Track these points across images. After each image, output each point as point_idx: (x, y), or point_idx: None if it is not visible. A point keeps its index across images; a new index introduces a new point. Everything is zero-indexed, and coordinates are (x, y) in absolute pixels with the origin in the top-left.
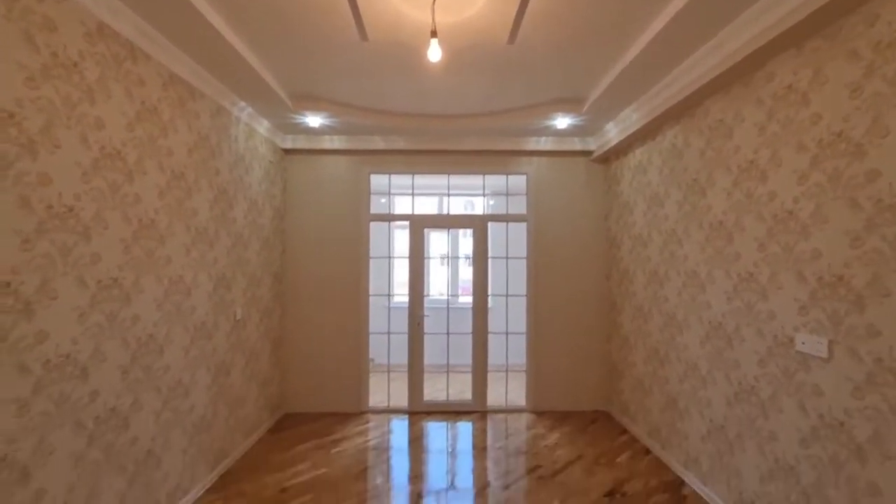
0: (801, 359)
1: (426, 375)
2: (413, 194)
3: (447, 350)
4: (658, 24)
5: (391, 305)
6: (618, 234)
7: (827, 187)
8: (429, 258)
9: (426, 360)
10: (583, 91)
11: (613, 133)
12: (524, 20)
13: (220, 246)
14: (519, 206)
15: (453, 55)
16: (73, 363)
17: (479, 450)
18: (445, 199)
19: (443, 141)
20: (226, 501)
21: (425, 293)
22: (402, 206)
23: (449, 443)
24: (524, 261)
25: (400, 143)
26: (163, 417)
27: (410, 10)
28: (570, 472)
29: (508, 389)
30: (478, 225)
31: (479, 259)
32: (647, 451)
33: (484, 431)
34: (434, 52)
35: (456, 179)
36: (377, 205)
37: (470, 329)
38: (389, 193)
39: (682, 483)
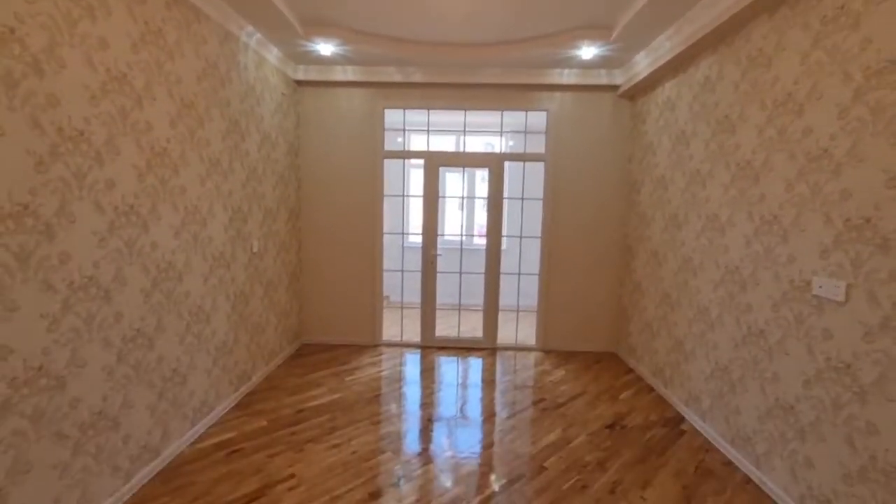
0: (816, 303)
1: (439, 313)
2: (428, 131)
3: (459, 289)
4: None
5: (405, 244)
6: (639, 178)
7: (869, 121)
8: (444, 197)
9: (439, 299)
10: (613, 15)
11: (643, 65)
12: None
13: (234, 178)
14: (538, 146)
15: None
16: (96, 285)
17: (488, 383)
18: (462, 138)
19: (460, 74)
20: (249, 419)
21: (439, 233)
22: (417, 144)
23: (459, 375)
24: (540, 202)
25: (416, 76)
26: (186, 341)
27: None
28: (572, 405)
29: (519, 329)
30: (494, 164)
31: (495, 199)
32: (651, 390)
33: (493, 366)
34: None
35: (473, 117)
36: (392, 143)
37: (483, 269)
38: (405, 130)
39: (681, 419)
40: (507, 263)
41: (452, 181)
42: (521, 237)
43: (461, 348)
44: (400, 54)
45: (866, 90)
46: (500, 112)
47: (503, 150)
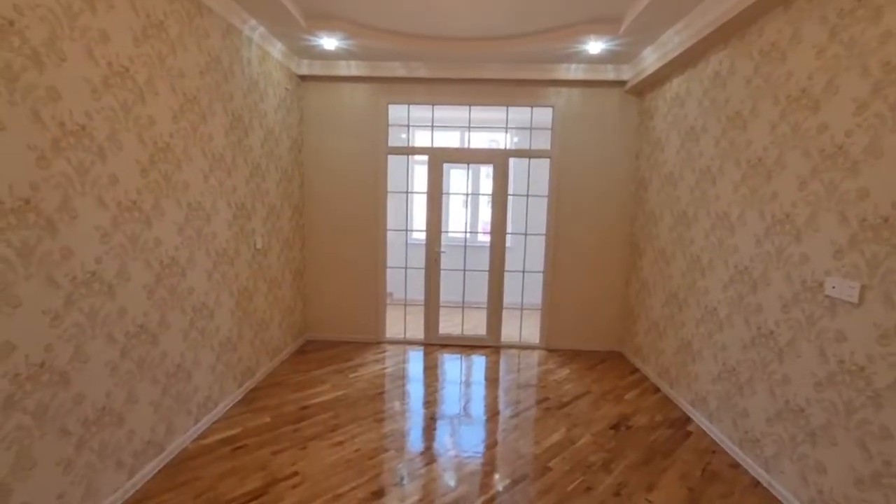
0: (828, 304)
1: (442, 311)
2: (433, 126)
3: (463, 287)
4: None
5: (409, 241)
6: (647, 174)
7: (888, 117)
8: (448, 194)
9: (443, 297)
10: (620, 7)
11: (651, 59)
12: None
13: (238, 174)
14: (543, 143)
15: None
16: (99, 280)
17: (491, 381)
18: (466, 134)
19: (465, 69)
20: (253, 415)
21: (443, 230)
22: (421, 140)
23: (462, 373)
24: (545, 199)
25: (420, 70)
26: (190, 336)
27: None
28: (577, 404)
29: (523, 327)
30: (499, 160)
31: (500, 196)
32: (656, 390)
33: (496, 364)
34: None
35: (477, 113)
36: (396, 139)
37: (487, 267)
38: (409, 125)
39: (688, 420)
40: (512, 261)
41: (456, 178)
42: (525, 234)
43: (465, 346)
44: (404, 48)
45: (885, 85)
46: (505, 108)
47: (508, 147)
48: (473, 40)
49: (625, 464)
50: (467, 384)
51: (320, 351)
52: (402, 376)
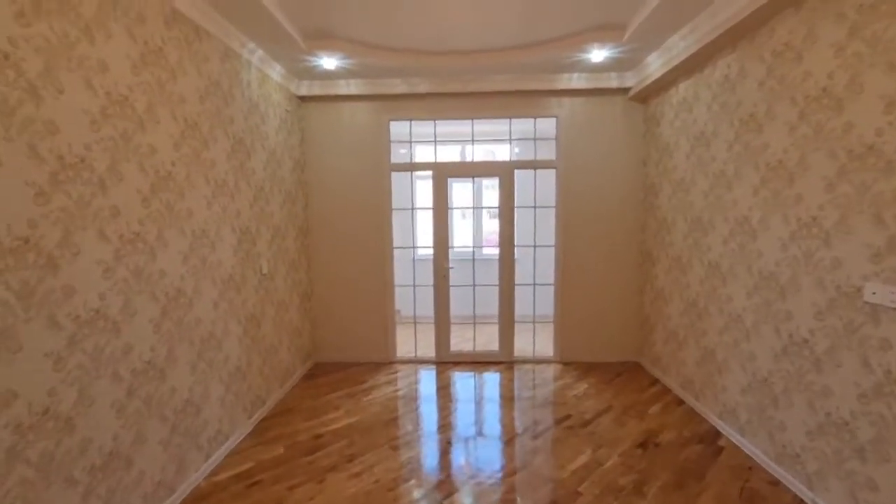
0: (869, 310)
1: (452, 327)
2: (435, 141)
3: (473, 302)
4: None
5: (416, 258)
6: (656, 181)
7: None
8: (452, 209)
9: (452, 312)
10: (625, 14)
11: (655, 66)
12: None
13: (241, 199)
14: (547, 153)
15: None
16: (103, 318)
17: (507, 399)
18: (469, 148)
19: (466, 82)
20: (265, 447)
21: (450, 245)
22: (423, 156)
23: (477, 392)
24: (552, 210)
25: (421, 86)
26: (198, 369)
27: None
28: (599, 422)
29: (535, 341)
30: (504, 172)
31: (506, 208)
32: (680, 403)
33: (511, 381)
34: None
35: (480, 126)
36: (398, 155)
37: (496, 280)
38: (411, 142)
39: (717, 434)
40: (521, 273)
41: (459, 191)
42: (534, 246)
43: (477, 363)
44: (405, 65)
45: None
46: (507, 120)
47: (510, 158)
48: (474, 53)
49: (657, 485)
50: (484, 403)
51: (330, 374)
52: (415, 398)
